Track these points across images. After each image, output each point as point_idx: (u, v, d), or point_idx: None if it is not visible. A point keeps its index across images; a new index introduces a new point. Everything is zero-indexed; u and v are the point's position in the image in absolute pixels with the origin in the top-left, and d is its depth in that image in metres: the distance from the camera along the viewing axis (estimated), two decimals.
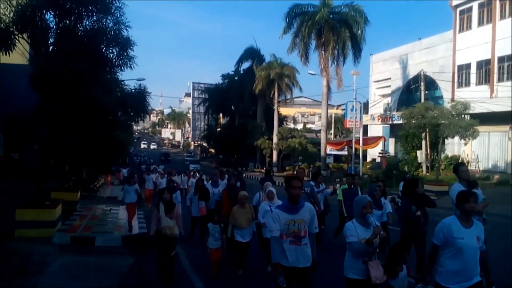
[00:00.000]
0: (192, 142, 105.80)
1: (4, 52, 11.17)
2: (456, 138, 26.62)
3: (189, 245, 10.79)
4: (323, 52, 36.76)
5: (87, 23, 12.18)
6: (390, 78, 40.57)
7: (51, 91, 11.41)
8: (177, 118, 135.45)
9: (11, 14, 11.32)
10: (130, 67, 12.65)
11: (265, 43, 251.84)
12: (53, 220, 11.53)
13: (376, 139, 37.95)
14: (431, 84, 34.56)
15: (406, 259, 5.27)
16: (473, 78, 30.65)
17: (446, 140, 28.08)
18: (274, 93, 48.97)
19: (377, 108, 42.04)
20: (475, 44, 30.33)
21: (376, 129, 41.61)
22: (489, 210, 16.27)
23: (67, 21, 11.99)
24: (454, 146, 31.56)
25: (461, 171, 7.00)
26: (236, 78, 59.69)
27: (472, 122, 24.28)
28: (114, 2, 12.11)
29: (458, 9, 32.31)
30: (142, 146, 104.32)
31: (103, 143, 15.84)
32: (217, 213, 8.73)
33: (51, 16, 12.06)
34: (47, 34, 12.09)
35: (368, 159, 40.68)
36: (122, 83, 14.66)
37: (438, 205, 7.96)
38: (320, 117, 43.21)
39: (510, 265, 8.38)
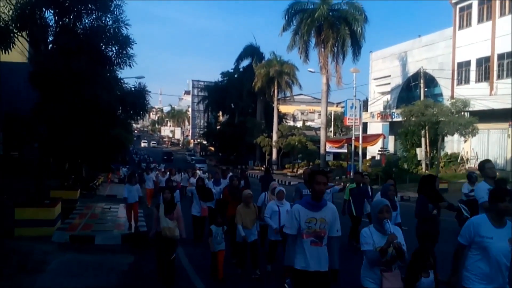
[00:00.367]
0: (192, 140, 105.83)
1: (3, 51, 11.15)
2: (456, 135, 26.69)
3: (190, 244, 10.55)
4: (322, 49, 36.77)
5: (86, 21, 12.17)
6: (389, 76, 40.56)
7: (50, 89, 11.40)
8: (176, 116, 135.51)
9: (10, 12, 11.30)
10: (130, 65, 12.66)
11: (264, 40, 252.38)
12: (53, 218, 11.52)
13: (375, 137, 37.96)
14: (430, 82, 34.56)
15: (431, 263, 4.87)
16: (472, 75, 30.66)
17: (445, 137, 28.12)
18: (273, 91, 49.00)
19: (376, 105, 42.05)
20: (475, 41, 30.31)
21: (376, 127, 41.62)
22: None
23: (67, 19, 11.98)
24: (453, 144, 31.58)
25: (487, 168, 6.53)
26: (235, 75, 59.68)
27: (472, 120, 24.32)
28: (113, 0, 12.09)
29: (458, 6, 32.29)
30: (143, 144, 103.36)
31: (103, 142, 15.85)
32: (220, 213, 8.33)
33: (51, 14, 12.05)
34: (47, 32, 12.09)
35: (368, 157, 40.70)
36: (122, 81, 14.63)
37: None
38: (320, 114, 43.23)
39: None
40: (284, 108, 61.55)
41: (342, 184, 12.50)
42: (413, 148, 32.69)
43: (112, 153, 20.56)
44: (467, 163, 29.97)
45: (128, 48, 12.38)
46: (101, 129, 14.09)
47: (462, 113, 25.26)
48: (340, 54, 36.91)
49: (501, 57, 28.39)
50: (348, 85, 35.33)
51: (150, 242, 7.86)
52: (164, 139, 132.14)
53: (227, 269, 8.15)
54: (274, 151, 47.84)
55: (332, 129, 55.06)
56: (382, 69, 41.89)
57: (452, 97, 30.17)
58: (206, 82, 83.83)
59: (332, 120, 55.30)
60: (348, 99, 34.00)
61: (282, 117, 56.90)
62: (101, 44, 12.16)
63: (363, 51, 37.04)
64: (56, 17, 11.97)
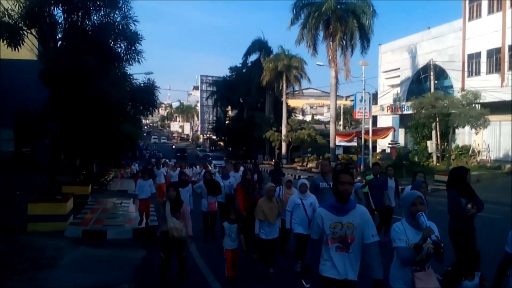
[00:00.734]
0: (201, 135, 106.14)
1: (13, 48, 11.24)
2: (467, 127, 26.46)
3: (201, 240, 10.53)
4: (331, 42, 36.58)
5: (95, 18, 12.20)
6: (399, 68, 40.24)
7: (60, 86, 11.48)
8: (185, 111, 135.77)
9: (20, 10, 11.37)
10: (138, 61, 12.68)
11: (272, 35, 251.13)
12: (65, 214, 11.64)
13: (385, 130, 37.76)
14: (440, 74, 34.26)
15: (479, 265, 4.49)
16: (483, 67, 30.32)
17: (456, 129, 27.90)
18: (282, 85, 48.92)
19: (386, 98, 41.79)
20: (485, 32, 29.95)
21: (386, 120, 41.38)
22: (504, 200, 16.25)
23: (75, 16, 12.02)
24: (464, 136, 31.31)
25: None
26: (244, 70, 59.64)
27: (483, 111, 24.07)
28: None
29: None
30: (153, 140, 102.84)
31: (113, 137, 15.96)
32: (233, 209, 7.87)
33: (59, 11, 12.11)
34: (56, 30, 12.15)
35: (378, 150, 40.52)
36: (131, 77, 14.72)
37: None
38: (329, 108, 43.03)
39: None
40: (293, 102, 61.42)
41: (364, 180, 12.03)
42: (423, 141, 32.48)
43: (122, 148, 20.69)
44: (478, 156, 29.72)
45: (137, 44, 12.41)
46: (111, 125, 14.20)
47: (473, 105, 25.00)
48: (349, 47, 36.68)
49: None
50: (357, 78, 35.34)
51: (157, 240, 7.63)
52: (174, 135, 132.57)
53: (246, 265, 7.93)
54: (284, 145, 47.79)
55: (341, 122, 54.87)
56: (391, 61, 41.59)
57: (462, 89, 29.89)
58: (214, 77, 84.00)
59: (342, 114, 55.09)
60: (357, 92, 33.88)
61: (291, 111, 56.79)
62: (110, 41, 12.20)
63: (371, 44, 36.73)
64: (65, 14, 12.02)
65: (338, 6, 36.14)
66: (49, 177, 12.33)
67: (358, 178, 24.32)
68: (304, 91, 58.57)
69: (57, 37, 12.26)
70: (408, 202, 3.99)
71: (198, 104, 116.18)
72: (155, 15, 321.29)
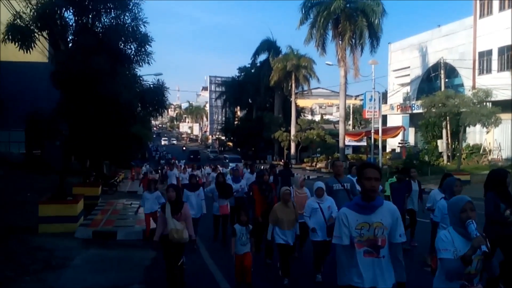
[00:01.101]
0: (210, 136, 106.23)
1: (25, 50, 11.33)
2: (478, 126, 26.19)
3: (214, 244, 10.38)
4: (340, 42, 36.48)
5: (105, 20, 12.31)
6: (409, 67, 40.01)
7: (72, 88, 11.55)
8: (194, 112, 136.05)
9: (31, 13, 11.46)
10: (148, 62, 12.77)
11: (281, 34, 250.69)
12: (76, 215, 11.70)
13: (395, 129, 37.54)
14: (451, 72, 33.98)
15: None
16: (494, 64, 30.01)
17: (467, 128, 27.62)
18: (291, 85, 48.88)
19: (396, 97, 41.55)
20: (497, 29, 29.65)
21: (395, 119, 41.15)
22: None
23: (86, 18, 12.11)
24: (475, 135, 31.03)
25: None
26: (252, 70, 59.66)
27: (494, 110, 23.81)
28: None
29: None
30: (163, 142, 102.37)
31: (123, 138, 16.00)
32: (245, 212, 7.23)
33: (70, 13, 12.21)
34: (67, 32, 12.27)
35: (388, 150, 40.32)
36: (141, 78, 14.78)
37: None
38: (338, 108, 42.92)
39: None
40: (302, 102, 61.31)
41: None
42: (434, 140, 32.23)
43: (132, 149, 20.76)
44: (489, 154, 29.43)
45: (147, 46, 12.49)
46: (121, 126, 14.23)
47: (484, 103, 24.75)
48: (358, 46, 36.57)
49: None
50: (366, 77, 35.04)
51: (154, 246, 7.12)
52: (183, 136, 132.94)
53: (260, 271, 7.55)
54: (293, 145, 47.71)
55: (351, 122, 54.65)
56: (401, 60, 41.34)
57: (473, 87, 29.60)
58: (223, 77, 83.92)
59: (351, 113, 54.86)
60: (367, 92, 33.63)
61: (300, 111, 56.70)
62: (120, 42, 12.30)
63: (381, 42, 36.60)
64: (75, 17, 12.14)
65: (347, 5, 36.03)
66: (60, 178, 12.40)
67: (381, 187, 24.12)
68: (313, 90, 58.37)
69: (68, 39, 12.36)
70: (457, 208, 3.58)
71: (207, 105, 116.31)
72: (164, 15, 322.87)
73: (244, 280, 6.76)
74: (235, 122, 67.99)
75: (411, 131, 39.74)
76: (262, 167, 21.85)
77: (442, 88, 31.19)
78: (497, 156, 29.13)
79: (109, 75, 11.44)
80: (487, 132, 29.06)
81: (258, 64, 57.79)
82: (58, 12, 11.79)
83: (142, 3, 12.44)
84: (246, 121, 59.53)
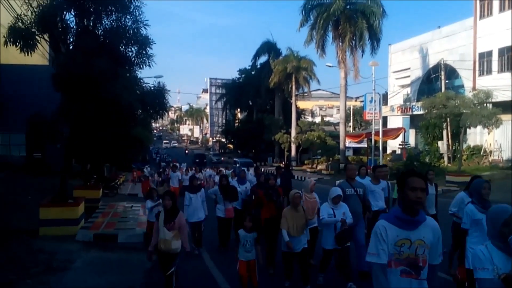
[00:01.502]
0: (211, 138, 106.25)
1: (26, 53, 11.33)
2: (479, 127, 26.16)
3: (217, 250, 10.20)
4: (340, 43, 36.50)
5: (106, 22, 12.28)
6: (409, 68, 40.00)
7: (73, 90, 11.55)
8: (195, 114, 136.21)
9: (32, 15, 11.47)
10: (149, 65, 12.75)
11: (282, 37, 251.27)
12: (76, 217, 11.70)
13: (396, 131, 37.50)
14: (451, 73, 33.95)
15: None
16: (495, 65, 29.99)
17: (468, 129, 27.60)
18: (291, 87, 48.91)
19: (396, 99, 41.52)
20: (497, 30, 29.61)
21: (396, 121, 41.12)
22: None
23: (87, 21, 12.11)
24: (476, 136, 30.99)
25: None
26: (253, 72, 59.73)
27: (495, 111, 23.79)
28: (133, 1, 12.19)
29: None
30: (164, 145, 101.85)
31: (124, 141, 16.01)
32: (249, 216, 6.98)
33: (71, 16, 12.21)
34: (68, 34, 12.25)
35: (388, 151, 40.28)
36: (142, 81, 14.76)
37: None
38: (339, 109, 42.92)
39: None
40: (302, 104, 61.31)
41: None
42: (434, 141, 32.20)
43: (133, 151, 20.77)
44: (490, 156, 29.40)
45: (148, 48, 12.47)
46: (122, 129, 14.23)
47: (485, 104, 24.73)
48: (358, 47, 36.56)
49: None
50: (367, 79, 34.90)
51: (147, 255, 6.87)
52: (183, 138, 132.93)
53: (264, 281, 7.25)
54: (293, 147, 47.71)
55: (351, 124, 54.63)
56: (401, 61, 41.34)
57: (474, 88, 29.57)
58: (223, 80, 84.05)
59: (351, 115, 54.86)
60: (367, 93, 33.56)
61: (300, 113, 56.70)
62: (121, 45, 12.28)
63: (381, 44, 36.62)
64: (76, 19, 12.12)
65: (347, 7, 36.08)
66: (61, 180, 12.39)
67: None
68: (313, 92, 58.40)
69: (69, 42, 12.36)
70: (497, 221, 3.15)
71: (208, 107, 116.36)
72: (165, 17, 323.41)
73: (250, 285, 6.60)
74: (236, 124, 68.00)
75: (412, 133, 39.71)
76: (262, 170, 21.95)
77: (443, 89, 31.15)
78: (498, 157, 29.08)
79: (110, 78, 11.43)
80: (488, 133, 29.02)
81: (259, 66, 57.86)
82: (60, 14, 11.80)
83: (143, 5, 12.45)
84: (247, 123, 59.54)
